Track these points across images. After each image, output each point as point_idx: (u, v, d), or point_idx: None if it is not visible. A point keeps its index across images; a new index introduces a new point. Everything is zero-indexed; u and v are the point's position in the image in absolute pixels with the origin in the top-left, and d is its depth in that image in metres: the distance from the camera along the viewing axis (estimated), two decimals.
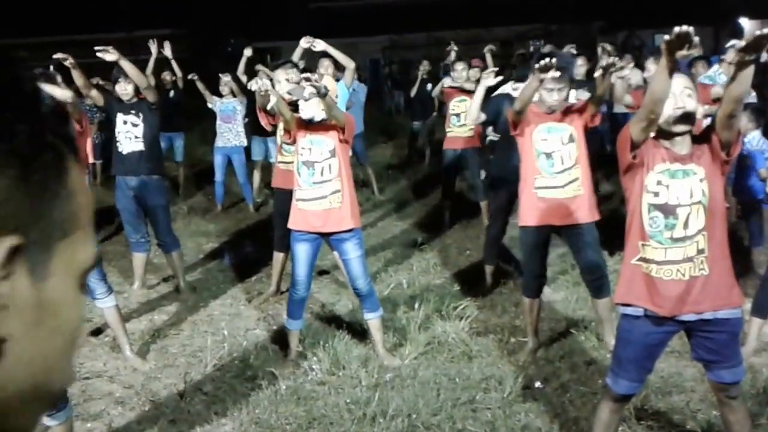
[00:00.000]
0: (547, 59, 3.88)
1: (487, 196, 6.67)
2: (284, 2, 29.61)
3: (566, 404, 3.86)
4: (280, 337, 4.79)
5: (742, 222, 6.15)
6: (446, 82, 7.89)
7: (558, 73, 3.96)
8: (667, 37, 2.46)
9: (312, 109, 4.24)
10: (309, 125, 4.32)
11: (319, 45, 5.78)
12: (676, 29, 2.43)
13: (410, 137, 11.59)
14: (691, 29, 2.43)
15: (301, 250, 4.39)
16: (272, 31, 26.48)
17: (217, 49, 25.70)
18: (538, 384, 4.08)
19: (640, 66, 8.28)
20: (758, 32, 2.43)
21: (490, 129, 6.25)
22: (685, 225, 2.81)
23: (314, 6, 30.47)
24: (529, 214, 4.33)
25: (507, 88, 5.55)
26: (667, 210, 2.82)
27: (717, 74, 6.75)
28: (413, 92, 11.03)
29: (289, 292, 4.58)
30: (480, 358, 4.46)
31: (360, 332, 4.84)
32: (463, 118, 6.90)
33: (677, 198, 2.81)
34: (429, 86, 10.95)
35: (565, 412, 3.77)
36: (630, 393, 3.04)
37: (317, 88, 3.99)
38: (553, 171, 4.24)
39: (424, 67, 11.20)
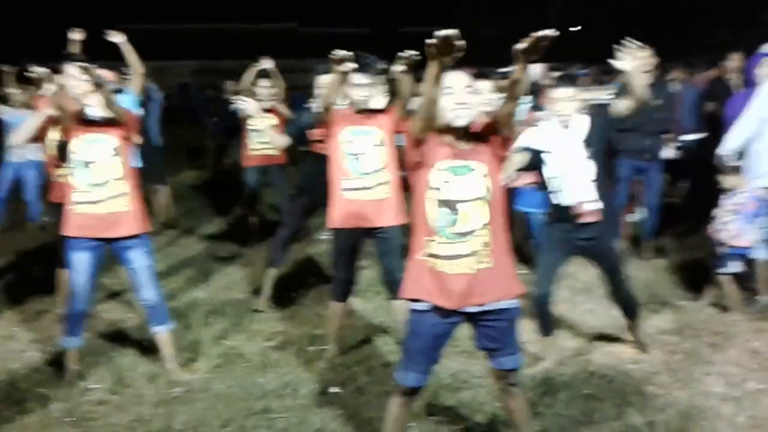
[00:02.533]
0: (342, 51, 3.90)
1: None
2: (88, 24, 28.11)
3: (362, 406, 3.82)
4: (58, 359, 4.36)
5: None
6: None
7: (355, 65, 3.99)
8: (430, 40, 2.49)
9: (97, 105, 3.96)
10: (89, 123, 4.01)
11: (116, 37, 5.45)
12: (440, 33, 2.46)
13: (216, 156, 11.47)
14: (455, 32, 2.47)
15: (80, 260, 4.04)
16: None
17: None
18: (334, 389, 4.02)
19: None
20: (537, 33, 2.54)
21: None
22: (469, 220, 2.88)
23: (120, 28, 29.26)
24: (338, 216, 4.29)
25: None
26: (451, 206, 2.88)
27: None
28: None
29: (66, 307, 4.18)
30: (277, 368, 4.33)
31: (149, 348, 4.53)
32: (264, 135, 6.79)
33: (460, 194, 2.88)
34: (233, 107, 10.79)
35: (360, 414, 3.74)
36: (418, 386, 3.04)
37: (96, 78, 3.73)
38: (361, 172, 4.25)
39: (230, 87, 11.09)
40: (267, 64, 7.54)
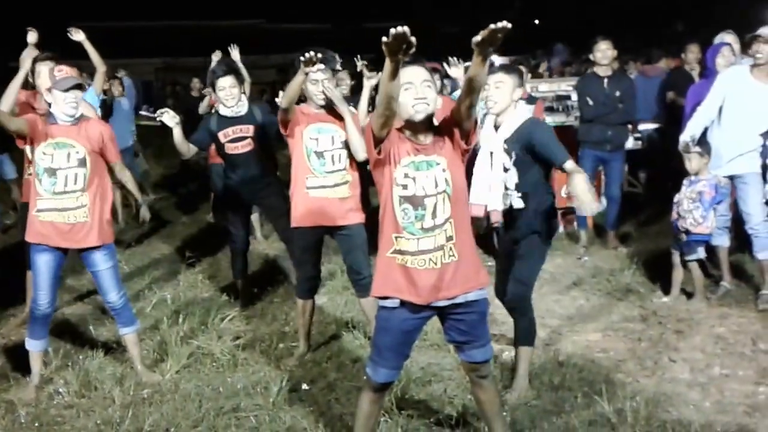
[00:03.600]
0: (312, 53, 3.85)
1: None
2: (50, 22, 27.46)
3: (332, 402, 3.78)
4: (22, 364, 4.23)
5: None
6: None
7: (322, 66, 3.97)
8: (384, 38, 2.46)
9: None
10: (55, 127, 3.89)
11: (78, 35, 5.33)
12: (392, 30, 2.42)
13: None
14: (406, 29, 2.43)
15: (43, 262, 3.93)
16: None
17: None
18: (304, 386, 3.97)
19: None
20: (493, 25, 2.50)
21: None
22: (434, 214, 2.85)
23: (82, 26, 28.70)
24: (301, 214, 4.25)
25: None
26: (416, 201, 2.84)
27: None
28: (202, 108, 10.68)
29: (30, 310, 4.07)
30: (246, 367, 4.27)
31: (116, 350, 4.44)
32: None
33: (423, 189, 2.84)
34: (202, 105, 10.65)
35: (330, 410, 3.70)
36: (389, 381, 3.01)
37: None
38: (325, 170, 4.20)
39: (196, 85, 10.91)
40: (217, 57, 7.46)
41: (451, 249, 2.86)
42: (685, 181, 5.11)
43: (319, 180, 4.21)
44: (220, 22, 30.45)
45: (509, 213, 3.85)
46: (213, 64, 7.85)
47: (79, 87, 3.86)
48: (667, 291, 5.32)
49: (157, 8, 29.26)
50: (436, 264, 2.85)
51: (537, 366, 4.13)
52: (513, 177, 3.80)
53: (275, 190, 5.07)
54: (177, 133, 4.64)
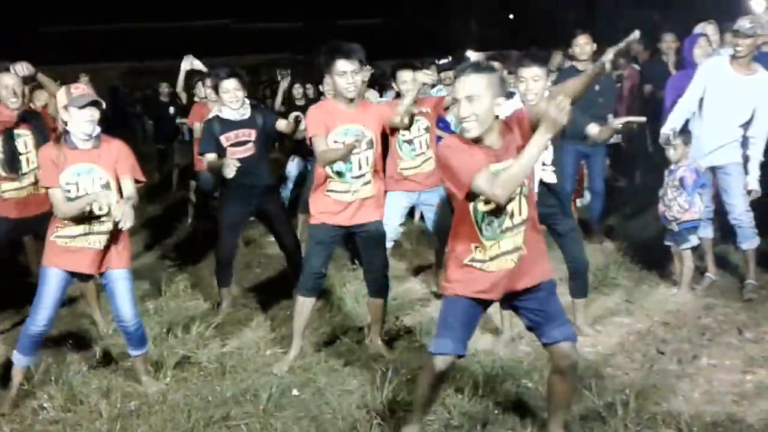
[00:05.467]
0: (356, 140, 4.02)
1: None
2: (13, 25, 27.05)
3: (323, 407, 3.84)
4: (5, 378, 4.23)
5: None
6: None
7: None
8: None
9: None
10: (75, 153, 3.88)
11: (24, 70, 5.07)
12: None
13: (158, 161, 11.26)
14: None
15: (55, 282, 3.93)
16: None
17: None
18: (294, 392, 4.02)
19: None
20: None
21: None
22: (512, 216, 3.01)
23: (44, 30, 28.38)
24: (320, 212, 4.24)
25: None
26: (499, 210, 2.98)
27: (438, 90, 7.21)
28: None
29: (25, 325, 4.02)
30: (234, 374, 4.31)
31: (100, 362, 4.46)
32: None
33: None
34: (171, 110, 10.68)
35: (321, 415, 3.75)
36: (456, 354, 3.06)
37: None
38: (351, 176, 4.17)
39: (165, 90, 10.92)
40: (188, 62, 7.46)
41: (524, 245, 3.03)
42: (666, 172, 5.24)
43: (343, 185, 4.17)
44: (188, 23, 30.29)
45: (542, 188, 4.23)
46: (183, 66, 7.87)
47: (96, 104, 3.83)
48: (653, 283, 5.45)
49: (121, 10, 29.03)
50: (513, 263, 3.03)
51: (526, 363, 4.22)
52: (549, 154, 4.23)
53: (276, 197, 5.10)
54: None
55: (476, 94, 2.90)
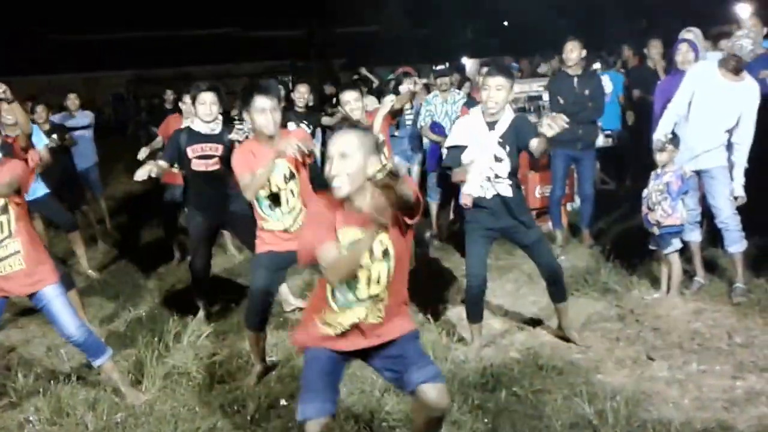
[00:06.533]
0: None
1: None
2: (16, 34, 26.87)
3: None
4: None
5: None
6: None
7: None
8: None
9: None
10: None
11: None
12: None
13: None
14: None
15: None
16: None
17: None
18: (282, 401, 3.87)
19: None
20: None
21: None
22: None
23: (52, 38, 28.21)
24: (268, 244, 4.13)
25: None
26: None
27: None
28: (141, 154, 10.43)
29: None
30: (223, 384, 4.16)
31: (87, 373, 4.31)
32: None
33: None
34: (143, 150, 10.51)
35: None
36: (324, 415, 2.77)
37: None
38: (281, 214, 4.13)
39: (169, 97, 10.74)
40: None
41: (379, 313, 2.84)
42: (652, 175, 5.12)
43: (277, 224, 4.11)
44: (191, 31, 30.18)
45: (497, 200, 4.22)
46: None
47: None
48: (643, 288, 5.30)
49: (125, 19, 28.90)
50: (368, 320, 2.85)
51: (516, 371, 4.08)
52: (506, 167, 4.19)
53: (241, 205, 4.96)
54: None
55: (348, 152, 2.69)
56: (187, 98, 6.34)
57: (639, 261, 5.65)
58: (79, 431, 3.68)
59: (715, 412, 3.58)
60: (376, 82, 10.73)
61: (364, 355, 2.90)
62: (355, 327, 2.82)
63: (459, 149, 4.28)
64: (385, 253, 2.76)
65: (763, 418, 3.51)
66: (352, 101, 5.21)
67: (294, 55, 26.55)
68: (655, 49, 7.65)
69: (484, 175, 4.20)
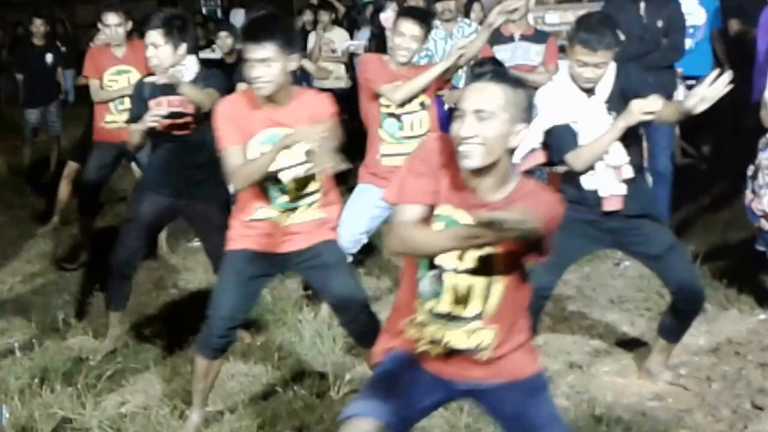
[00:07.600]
0: None
1: None
2: None
3: None
4: None
5: None
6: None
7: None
8: None
9: None
10: None
11: None
12: None
13: (31, 132, 11.15)
14: None
15: None
16: None
17: None
18: None
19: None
20: None
21: None
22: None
23: None
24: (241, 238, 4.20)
25: None
26: None
27: None
28: None
29: None
30: None
31: None
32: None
33: None
34: (49, 57, 10.70)
35: None
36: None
37: None
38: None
39: (38, 29, 10.70)
40: None
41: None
42: (760, 144, 5.14)
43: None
44: None
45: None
46: None
47: None
48: (744, 306, 5.39)
49: None
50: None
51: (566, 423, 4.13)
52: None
53: (212, 191, 5.03)
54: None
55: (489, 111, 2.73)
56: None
57: (739, 268, 5.73)
58: None
59: None
60: (342, 10, 10.77)
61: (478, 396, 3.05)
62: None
63: (566, 130, 4.29)
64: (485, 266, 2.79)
65: None
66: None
67: None
68: None
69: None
